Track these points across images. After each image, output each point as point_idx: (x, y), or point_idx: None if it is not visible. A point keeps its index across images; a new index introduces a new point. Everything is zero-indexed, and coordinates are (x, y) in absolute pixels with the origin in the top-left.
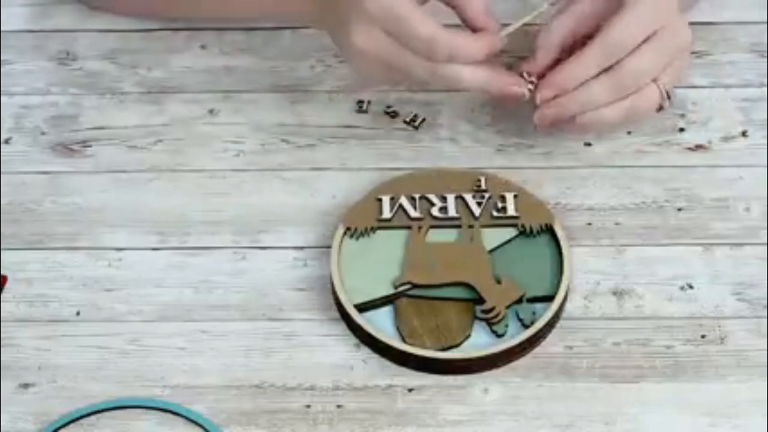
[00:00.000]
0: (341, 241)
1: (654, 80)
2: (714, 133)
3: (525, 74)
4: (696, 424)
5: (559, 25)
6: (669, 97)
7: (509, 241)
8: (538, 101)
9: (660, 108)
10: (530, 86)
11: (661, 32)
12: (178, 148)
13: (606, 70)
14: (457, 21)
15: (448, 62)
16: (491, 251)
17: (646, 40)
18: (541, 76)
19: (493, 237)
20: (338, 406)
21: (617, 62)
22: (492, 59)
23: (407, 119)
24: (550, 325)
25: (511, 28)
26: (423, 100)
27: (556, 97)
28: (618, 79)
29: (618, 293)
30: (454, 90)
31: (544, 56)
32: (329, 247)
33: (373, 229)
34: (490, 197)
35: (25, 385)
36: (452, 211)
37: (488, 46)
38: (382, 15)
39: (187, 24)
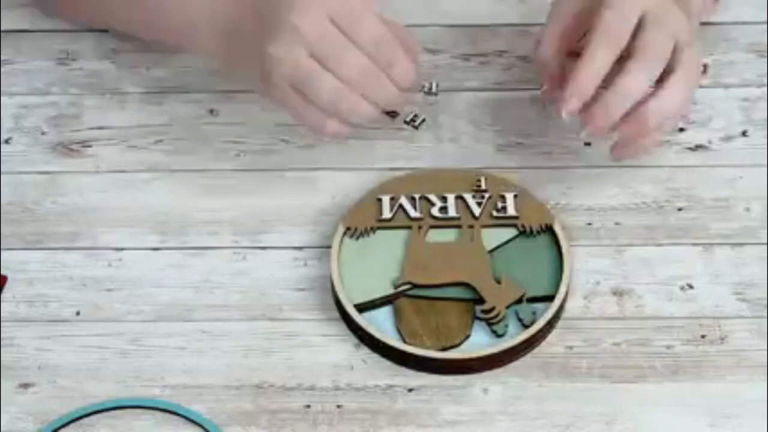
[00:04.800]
0: (341, 241)
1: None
2: (714, 133)
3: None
4: (696, 424)
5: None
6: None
7: (509, 241)
8: (567, 114)
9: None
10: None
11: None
12: (178, 148)
13: (622, 59)
14: None
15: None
16: (491, 251)
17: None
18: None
19: (493, 237)
20: (338, 406)
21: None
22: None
23: (407, 119)
24: (550, 325)
25: None
26: (423, 100)
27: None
28: (640, 56)
29: (618, 293)
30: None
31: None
32: (329, 247)
33: (373, 229)
34: (490, 197)
35: (25, 385)
36: (452, 211)
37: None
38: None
39: None
